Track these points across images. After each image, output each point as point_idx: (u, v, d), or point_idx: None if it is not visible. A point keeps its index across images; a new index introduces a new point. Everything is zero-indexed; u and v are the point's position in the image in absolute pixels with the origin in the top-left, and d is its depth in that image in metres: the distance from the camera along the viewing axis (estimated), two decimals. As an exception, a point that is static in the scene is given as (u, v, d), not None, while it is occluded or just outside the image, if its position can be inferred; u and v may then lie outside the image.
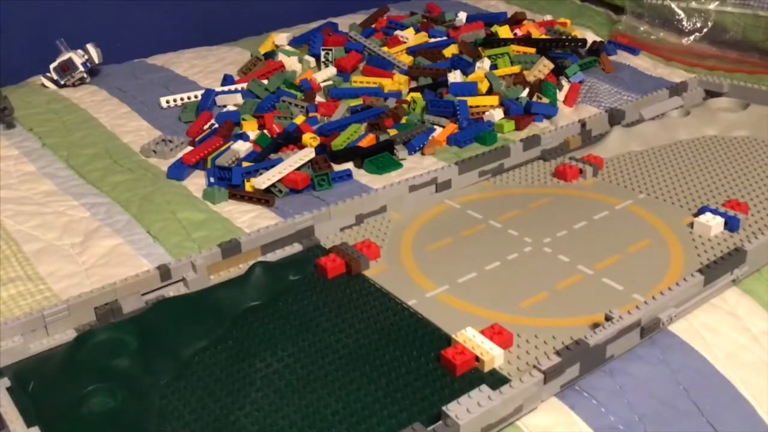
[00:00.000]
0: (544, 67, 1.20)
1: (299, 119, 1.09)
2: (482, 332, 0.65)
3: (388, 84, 1.19)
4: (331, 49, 1.29)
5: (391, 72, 1.24)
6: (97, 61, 1.29)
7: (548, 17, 1.50)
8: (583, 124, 1.04)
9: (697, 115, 1.08)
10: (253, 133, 1.07)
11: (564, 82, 1.22)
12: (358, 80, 1.21)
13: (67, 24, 1.41)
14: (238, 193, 0.92)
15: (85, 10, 1.46)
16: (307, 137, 1.02)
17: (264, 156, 1.00)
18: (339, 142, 1.02)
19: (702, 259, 0.77)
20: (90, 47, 1.28)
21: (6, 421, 0.58)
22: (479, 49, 1.29)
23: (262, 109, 1.14)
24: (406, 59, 1.28)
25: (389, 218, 0.87)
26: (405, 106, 1.13)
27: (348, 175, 0.96)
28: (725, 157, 0.99)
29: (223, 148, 1.02)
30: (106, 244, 0.84)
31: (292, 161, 0.95)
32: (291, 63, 1.29)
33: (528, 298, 0.72)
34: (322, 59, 1.29)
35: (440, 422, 0.55)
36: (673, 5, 1.38)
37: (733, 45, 1.33)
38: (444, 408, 0.55)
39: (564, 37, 1.35)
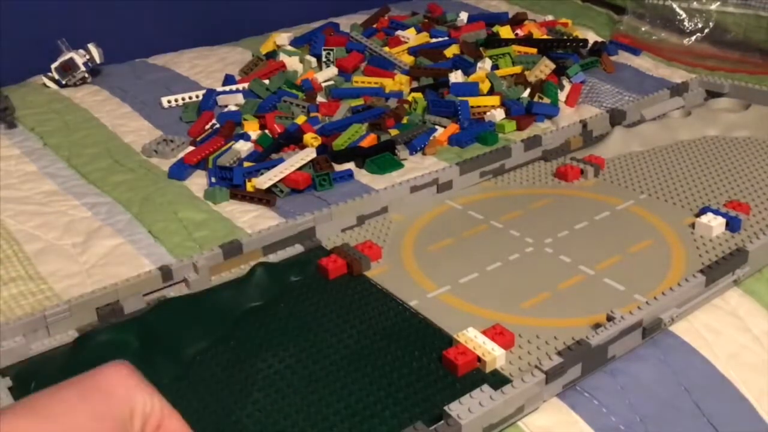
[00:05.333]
0: (545, 67, 1.20)
1: (300, 119, 1.09)
2: (484, 332, 0.65)
3: (390, 84, 1.19)
4: (332, 49, 1.29)
5: (393, 72, 1.23)
6: (98, 61, 1.29)
7: (549, 17, 1.50)
8: (584, 124, 1.04)
9: (699, 116, 1.08)
10: (254, 133, 1.07)
11: (565, 82, 1.22)
12: (360, 80, 1.21)
13: (68, 24, 1.41)
14: (239, 193, 0.92)
15: (87, 10, 1.46)
16: (309, 137, 1.02)
17: (265, 156, 1.00)
18: (340, 142, 1.02)
19: (703, 260, 0.77)
20: (91, 47, 1.28)
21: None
22: (480, 49, 1.29)
23: (264, 109, 1.14)
24: (408, 59, 1.28)
25: (390, 219, 0.87)
26: (406, 106, 1.13)
27: (349, 175, 0.96)
28: (726, 158, 0.98)
29: (224, 148, 1.02)
30: (108, 244, 0.84)
31: (294, 161, 0.95)
32: (292, 63, 1.29)
33: (529, 299, 0.72)
34: (324, 59, 1.29)
35: (442, 422, 0.55)
36: (675, 6, 1.38)
37: (734, 45, 1.33)
38: (446, 407, 0.55)
39: (565, 37, 1.35)
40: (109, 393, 0.42)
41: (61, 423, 0.39)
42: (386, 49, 1.31)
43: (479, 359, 0.63)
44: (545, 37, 1.35)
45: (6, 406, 0.41)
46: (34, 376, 0.64)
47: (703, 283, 0.70)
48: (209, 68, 1.35)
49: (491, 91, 1.16)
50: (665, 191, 0.91)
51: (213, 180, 0.96)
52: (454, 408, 0.55)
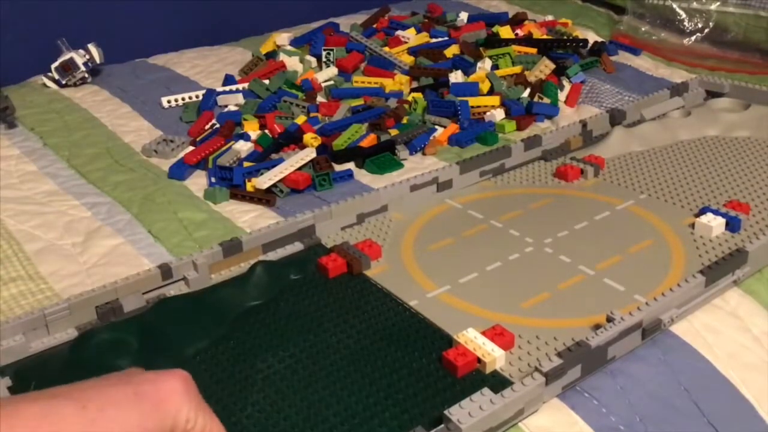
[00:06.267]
0: (545, 67, 1.20)
1: (300, 119, 1.09)
2: (484, 333, 0.65)
3: (390, 84, 1.19)
4: (332, 49, 1.29)
5: (393, 72, 1.23)
6: (98, 61, 1.29)
7: (549, 17, 1.50)
8: (584, 124, 1.04)
9: (698, 116, 1.08)
10: (254, 133, 1.07)
11: (565, 82, 1.22)
12: (360, 80, 1.21)
13: (68, 23, 1.41)
14: (239, 193, 0.92)
15: (87, 10, 1.46)
16: (308, 137, 1.02)
17: (265, 156, 1.00)
18: (340, 142, 1.02)
19: (703, 260, 0.77)
20: (91, 47, 1.28)
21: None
22: (480, 49, 1.29)
23: (264, 109, 1.14)
24: (408, 59, 1.28)
25: (390, 218, 0.87)
26: (406, 106, 1.13)
27: (349, 175, 0.96)
28: (726, 158, 0.98)
29: (224, 148, 1.02)
30: (107, 244, 0.84)
31: (293, 161, 0.95)
32: (292, 63, 1.29)
33: (529, 299, 0.72)
34: (324, 59, 1.29)
35: (442, 425, 0.55)
36: (675, 6, 1.38)
37: (734, 45, 1.33)
38: (446, 411, 0.55)
39: (565, 37, 1.35)
40: (160, 405, 0.44)
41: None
42: (386, 49, 1.31)
43: (479, 360, 0.63)
44: (545, 37, 1.35)
45: (56, 390, 0.41)
46: (34, 376, 0.64)
47: (703, 284, 0.70)
48: (209, 68, 1.35)
49: (491, 91, 1.16)
50: (665, 191, 0.91)
51: (213, 180, 0.96)
52: (455, 412, 0.55)
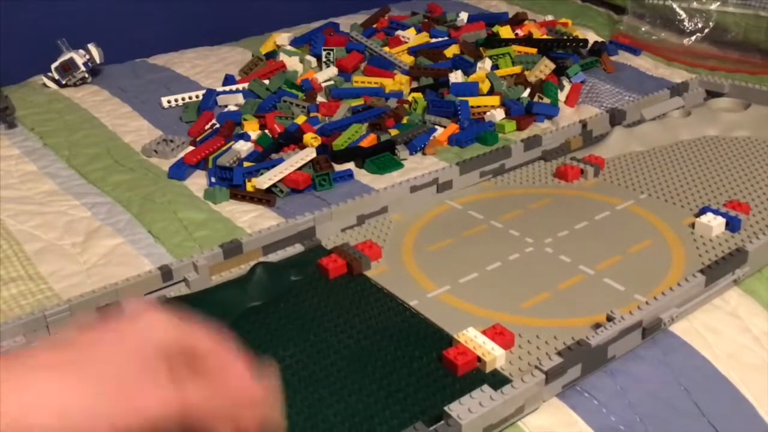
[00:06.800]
0: (545, 67, 1.20)
1: (300, 119, 1.09)
2: (484, 332, 0.65)
3: (390, 84, 1.19)
4: (332, 49, 1.29)
5: (393, 72, 1.23)
6: (98, 61, 1.29)
7: (549, 17, 1.50)
8: (584, 124, 1.04)
9: (699, 116, 1.08)
10: (254, 133, 1.07)
11: (565, 82, 1.22)
12: (360, 80, 1.21)
13: (68, 24, 1.41)
14: (239, 193, 0.92)
15: (87, 10, 1.46)
16: (309, 137, 1.02)
17: (265, 156, 1.00)
18: (340, 142, 1.02)
19: (703, 260, 0.77)
20: (91, 47, 1.28)
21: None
22: (480, 49, 1.29)
23: (264, 109, 1.14)
24: (408, 59, 1.28)
25: (390, 219, 0.87)
26: (406, 106, 1.13)
27: (349, 175, 0.96)
28: (726, 158, 0.98)
29: (224, 148, 1.02)
30: (107, 244, 0.84)
31: (293, 161, 0.95)
32: (292, 63, 1.29)
33: (529, 299, 0.72)
34: (324, 59, 1.29)
35: (442, 422, 0.55)
36: (675, 6, 1.38)
37: (734, 45, 1.33)
38: (446, 408, 0.55)
39: (565, 37, 1.35)
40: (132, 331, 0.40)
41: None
42: (386, 49, 1.31)
43: (479, 359, 0.63)
44: (545, 37, 1.35)
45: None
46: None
47: (703, 283, 0.70)
48: (209, 68, 1.35)
49: (491, 91, 1.16)
50: (665, 191, 0.91)
51: (213, 180, 0.96)
52: (455, 408, 0.55)
